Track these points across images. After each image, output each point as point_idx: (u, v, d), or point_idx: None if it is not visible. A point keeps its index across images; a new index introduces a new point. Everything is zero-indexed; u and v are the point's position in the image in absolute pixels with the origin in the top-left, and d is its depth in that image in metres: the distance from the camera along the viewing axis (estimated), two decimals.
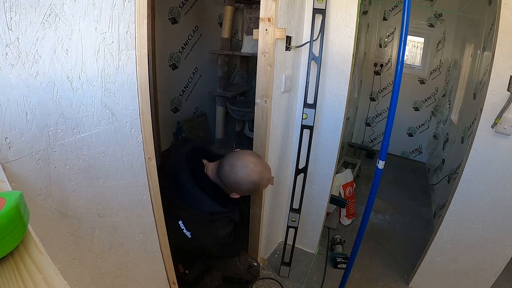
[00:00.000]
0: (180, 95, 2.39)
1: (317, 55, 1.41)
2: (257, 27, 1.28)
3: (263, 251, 1.82)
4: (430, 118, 3.45)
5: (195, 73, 2.47)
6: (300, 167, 1.57)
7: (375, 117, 3.74)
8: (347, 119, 1.99)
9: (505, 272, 1.44)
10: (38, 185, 0.60)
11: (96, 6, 0.61)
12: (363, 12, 2.85)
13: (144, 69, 0.75)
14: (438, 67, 3.26)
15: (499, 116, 1.21)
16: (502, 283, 1.56)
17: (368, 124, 3.79)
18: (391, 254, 1.99)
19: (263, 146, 1.45)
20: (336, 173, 1.82)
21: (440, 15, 3.09)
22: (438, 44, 3.19)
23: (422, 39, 3.29)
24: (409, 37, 3.17)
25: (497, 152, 1.27)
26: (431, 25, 3.15)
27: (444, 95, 3.20)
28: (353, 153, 3.47)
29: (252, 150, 1.48)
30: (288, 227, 1.67)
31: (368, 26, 3.22)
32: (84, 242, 0.73)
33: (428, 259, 1.60)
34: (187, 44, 2.30)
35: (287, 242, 1.72)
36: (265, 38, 1.27)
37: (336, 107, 1.57)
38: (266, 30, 1.25)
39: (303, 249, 1.98)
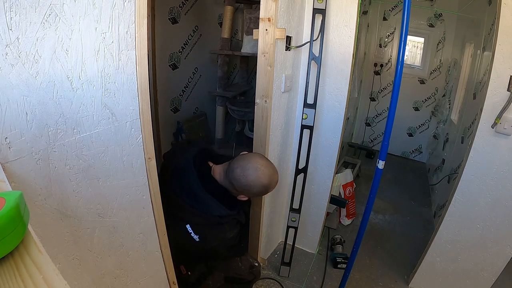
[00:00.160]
0: (180, 95, 2.39)
1: (317, 55, 1.41)
2: (257, 27, 1.28)
3: (263, 251, 1.82)
4: (430, 118, 3.46)
5: (195, 73, 2.47)
6: (300, 167, 1.57)
7: (375, 117, 3.74)
8: (347, 119, 1.99)
9: (505, 272, 1.44)
10: (38, 185, 0.60)
11: (96, 6, 0.61)
12: (363, 12, 2.85)
13: (144, 69, 0.75)
14: (438, 67, 3.26)
15: (499, 116, 1.21)
16: (502, 283, 1.56)
17: (368, 124, 3.79)
18: (391, 254, 1.99)
19: (263, 146, 1.45)
20: (336, 173, 1.82)
21: (440, 15, 3.09)
22: (438, 44, 3.20)
23: (422, 39, 3.29)
24: (409, 37, 3.17)
25: (497, 152, 1.27)
26: (431, 25, 3.15)
27: (444, 95, 3.20)
28: (353, 153, 3.47)
29: (252, 150, 1.48)
30: (288, 227, 1.67)
31: (368, 26, 3.22)
32: (84, 242, 0.73)
33: (428, 259, 1.60)
34: (187, 44, 2.30)
35: (287, 242, 1.72)
36: (265, 38, 1.27)
37: (336, 107, 1.57)
38: (266, 30, 1.25)
39: (303, 249, 1.98)
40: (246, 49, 2.12)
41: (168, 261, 1.03)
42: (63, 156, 0.63)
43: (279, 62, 1.37)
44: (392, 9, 3.27)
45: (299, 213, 1.63)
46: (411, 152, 3.68)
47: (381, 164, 1.21)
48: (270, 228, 1.84)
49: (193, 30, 2.32)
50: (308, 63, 1.45)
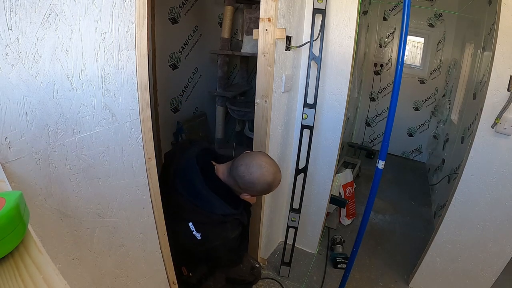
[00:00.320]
0: (180, 95, 2.39)
1: (317, 55, 1.41)
2: (257, 27, 1.28)
3: (263, 251, 1.82)
4: (430, 118, 3.46)
5: (195, 73, 2.47)
6: (300, 167, 1.57)
7: (375, 117, 3.74)
8: (347, 119, 1.99)
9: (505, 272, 1.44)
10: (38, 185, 0.60)
11: (96, 6, 0.61)
12: (363, 12, 2.85)
13: (144, 69, 0.75)
14: (438, 67, 3.26)
15: (499, 116, 1.21)
16: (502, 283, 1.56)
17: (368, 124, 3.80)
18: (391, 254, 1.99)
19: (263, 146, 1.45)
20: (336, 173, 1.82)
21: (440, 15, 3.09)
22: (438, 44, 3.20)
23: (422, 39, 3.29)
24: (409, 37, 3.17)
25: (497, 152, 1.27)
26: (431, 25, 3.15)
27: (444, 95, 3.20)
28: (353, 153, 3.47)
29: (252, 150, 1.48)
30: (288, 227, 1.68)
31: (368, 26, 3.22)
32: (84, 242, 0.73)
33: (428, 259, 1.60)
34: (187, 44, 2.30)
35: (287, 242, 1.72)
36: (265, 38, 1.27)
37: (336, 107, 1.57)
38: (266, 30, 1.25)
39: (303, 249, 1.98)
40: (246, 49, 2.12)
41: (168, 261, 1.03)
42: (63, 156, 0.63)
43: (279, 62, 1.37)
44: (392, 9, 3.27)
45: (299, 213, 1.63)
46: (411, 152, 3.68)
47: (381, 164, 1.21)
48: (270, 228, 1.84)
49: (193, 30, 2.32)
50: (308, 63, 1.45)
